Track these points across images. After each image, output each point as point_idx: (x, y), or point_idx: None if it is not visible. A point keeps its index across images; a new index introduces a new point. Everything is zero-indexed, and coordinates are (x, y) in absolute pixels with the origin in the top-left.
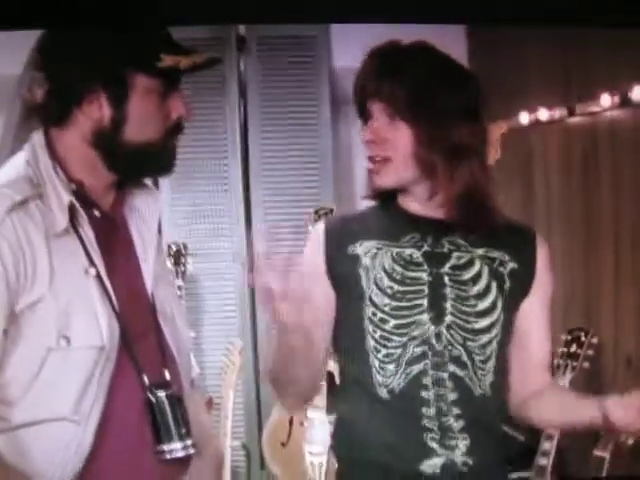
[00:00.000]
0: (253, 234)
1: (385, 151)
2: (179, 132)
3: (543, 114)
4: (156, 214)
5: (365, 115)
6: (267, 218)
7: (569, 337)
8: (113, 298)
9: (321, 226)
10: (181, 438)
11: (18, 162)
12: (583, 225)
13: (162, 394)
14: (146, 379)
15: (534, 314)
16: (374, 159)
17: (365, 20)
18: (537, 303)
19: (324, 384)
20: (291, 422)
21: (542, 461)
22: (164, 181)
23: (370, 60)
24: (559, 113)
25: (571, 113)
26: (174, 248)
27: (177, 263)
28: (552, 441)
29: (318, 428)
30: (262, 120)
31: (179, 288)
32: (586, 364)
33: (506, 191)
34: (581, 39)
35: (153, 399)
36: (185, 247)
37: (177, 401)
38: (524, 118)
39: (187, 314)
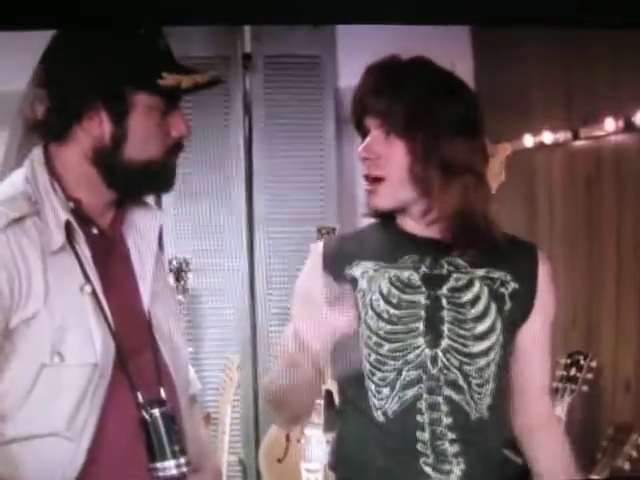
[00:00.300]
0: (255, 251)
1: (379, 169)
2: (179, 150)
3: (547, 137)
4: (155, 231)
5: (362, 131)
6: (270, 236)
7: (568, 360)
8: (108, 315)
9: (319, 247)
10: (175, 456)
11: (17, 178)
12: (585, 248)
13: (156, 412)
14: (140, 397)
15: (535, 336)
16: (369, 177)
17: (371, 21)
18: (538, 324)
19: (321, 402)
20: (288, 439)
21: None
22: (167, 197)
23: (368, 76)
24: (563, 136)
25: (575, 137)
26: (175, 264)
27: (178, 279)
28: None
29: (315, 445)
30: (267, 138)
31: (179, 303)
32: (585, 388)
33: (510, 213)
34: (586, 63)
35: (147, 417)
36: (187, 263)
37: (171, 419)
38: (528, 141)
39: (187, 329)
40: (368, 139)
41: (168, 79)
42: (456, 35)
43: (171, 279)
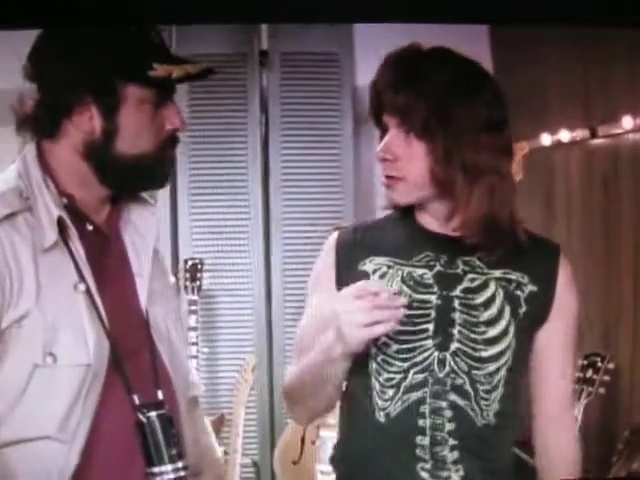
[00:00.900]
0: (271, 251)
1: (398, 170)
2: (174, 144)
3: (565, 135)
4: (153, 228)
5: (381, 127)
6: (286, 235)
7: (585, 362)
8: (103, 314)
9: (333, 239)
10: (172, 460)
11: (9, 174)
12: (603, 247)
13: (153, 414)
14: (136, 399)
15: (554, 341)
16: (388, 177)
17: (387, 20)
18: (557, 329)
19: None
20: (303, 440)
21: None
22: (183, 196)
23: (386, 68)
24: (581, 134)
25: (593, 135)
26: (190, 263)
27: (193, 279)
28: None
29: (330, 447)
30: (283, 136)
31: (194, 303)
32: (602, 390)
33: (527, 212)
34: (603, 61)
35: (144, 419)
36: (202, 262)
37: (169, 422)
38: (546, 139)
39: (201, 330)
40: (386, 138)
41: (159, 70)
42: (475, 34)
43: (183, 278)
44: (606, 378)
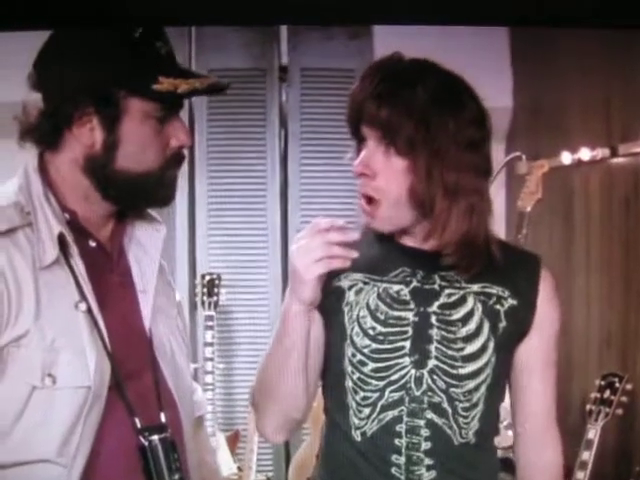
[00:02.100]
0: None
1: (376, 190)
2: (180, 162)
3: (585, 154)
4: (158, 245)
5: (358, 138)
6: None
7: (603, 383)
8: (104, 334)
9: None
10: None
11: (11, 188)
12: (622, 268)
13: (156, 438)
14: (138, 422)
15: (534, 356)
16: (366, 197)
17: (405, 22)
18: (538, 344)
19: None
20: (318, 458)
21: None
22: (201, 210)
23: (369, 78)
24: (601, 153)
25: (614, 153)
26: (207, 278)
27: (210, 294)
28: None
29: None
30: (303, 151)
31: (211, 318)
32: (619, 411)
33: (546, 231)
34: (624, 78)
35: (145, 443)
36: (219, 278)
37: (172, 445)
38: (566, 158)
39: (218, 345)
40: (365, 152)
41: (164, 83)
42: (495, 50)
43: (202, 294)
44: (624, 399)
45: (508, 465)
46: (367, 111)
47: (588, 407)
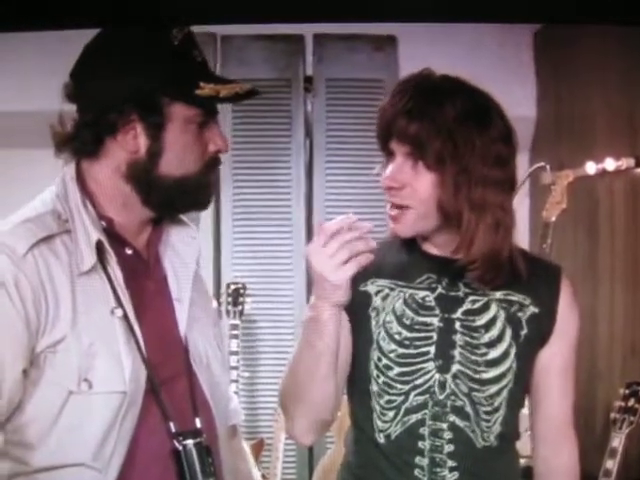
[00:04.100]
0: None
1: (404, 199)
2: (216, 166)
3: (610, 164)
4: (194, 252)
5: (387, 152)
6: None
7: (627, 391)
8: (140, 340)
9: None
10: None
11: (48, 196)
12: None
13: (190, 443)
14: (173, 426)
15: (555, 363)
16: (393, 206)
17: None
18: (558, 351)
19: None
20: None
21: None
22: (226, 220)
23: (400, 95)
24: (626, 163)
25: (638, 163)
26: (232, 287)
27: (235, 303)
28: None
29: None
30: (328, 162)
31: (235, 327)
32: None
33: (571, 241)
34: None
35: (180, 447)
36: (244, 287)
37: (206, 450)
38: (591, 168)
39: (243, 354)
40: (393, 167)
41: (206, 89)
42: (520, 62)
43: (226, 303)
44: None
45: (530, 473)
46: (397, 127)
47: (612, 415)
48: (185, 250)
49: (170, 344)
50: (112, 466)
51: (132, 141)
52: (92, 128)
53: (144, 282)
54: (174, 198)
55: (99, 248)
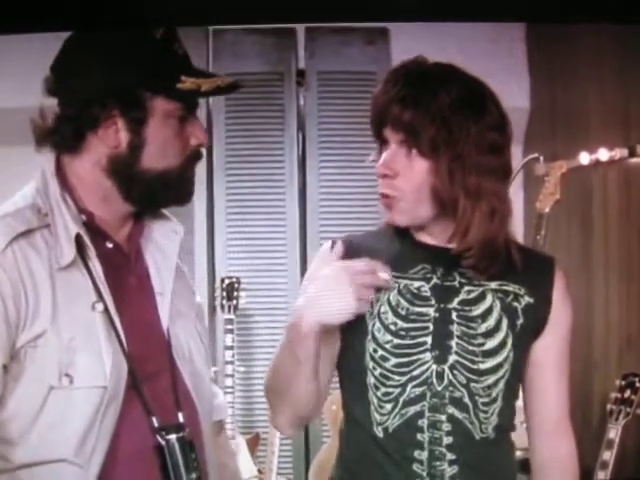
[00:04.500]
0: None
1: (396, 188)
2: (197, 160)
3: (603, 154)
4: (175, 246)
5: (381, 141)
6: None
7: (623, 382)
8: (121, 335)
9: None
10: None
11: (28, 190)
12: None
13: (173, 437)
14: (156, 421)
15: (549, 353)
16: (386, 195)
17: (422, 19)
18: (553, 341)
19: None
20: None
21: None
22: (220, 214)
23: (392, 82)
24: (619, 153)
25: (632, 153)
26: (227, 282)
27: (230, 297)
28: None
29: None
30: (321, 155)
31: (230, 321)
32: None
33: (565, 232)
34: None
35: (163, 442)
36: (238, 281)
37: (190, 445)
38: (584, 158)
39: (238, 349)
40: (387, 154)
41: (187, 83)
42: (513, 53)
43: (221, 297)
44: None
45: (526, 466)
46: (390, 114)
47: (609, 407)
48: (167, 244)
49: (152, 338)
50: (94, 461)
51: (113, 136)
52: (73, 122)
53: (125, 276)
54: (156, 192)
55: (79, 242)
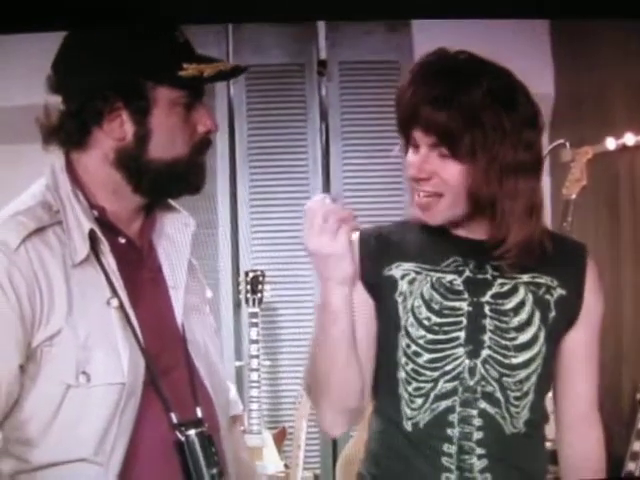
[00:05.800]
0: None
1: (435, 187)
2: (207, 147)
3: (630, 139)
4: (188, 239)
5: (408, 141)
6: None
7: None
8: (137, 330)
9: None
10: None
11: (37, 188)
12: None
13: (192, 432)
14: (174, 417)
15: (580, 344)
16: (424, 194)
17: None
18: (584, 334)
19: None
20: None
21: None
22: (243, 207)
23: (420, 81)
24: None
25: None
26: (251, 275)
27: (254, 290)
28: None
29: None
30: (344, 145)
31: (255, 315)
32: None
33: (592, 218)
34: None
35: (182, 438)
36: (263, 274)
37: (209, 440)
38: (610, 143)
39: (263, 342)
40: (419, 156)
41: (189, 69)
42: (536, 38)
43: (245, 291)
44: None
45: (554, 457)
46: (421, 116)
47: (639, 396)
48: (178, 238)
49: (167, 333)
50: (114, 460)
51: (118, 128)
52: (77, 118)
53: (139, 271)
54: (165, 182)
55: (92, 238)
